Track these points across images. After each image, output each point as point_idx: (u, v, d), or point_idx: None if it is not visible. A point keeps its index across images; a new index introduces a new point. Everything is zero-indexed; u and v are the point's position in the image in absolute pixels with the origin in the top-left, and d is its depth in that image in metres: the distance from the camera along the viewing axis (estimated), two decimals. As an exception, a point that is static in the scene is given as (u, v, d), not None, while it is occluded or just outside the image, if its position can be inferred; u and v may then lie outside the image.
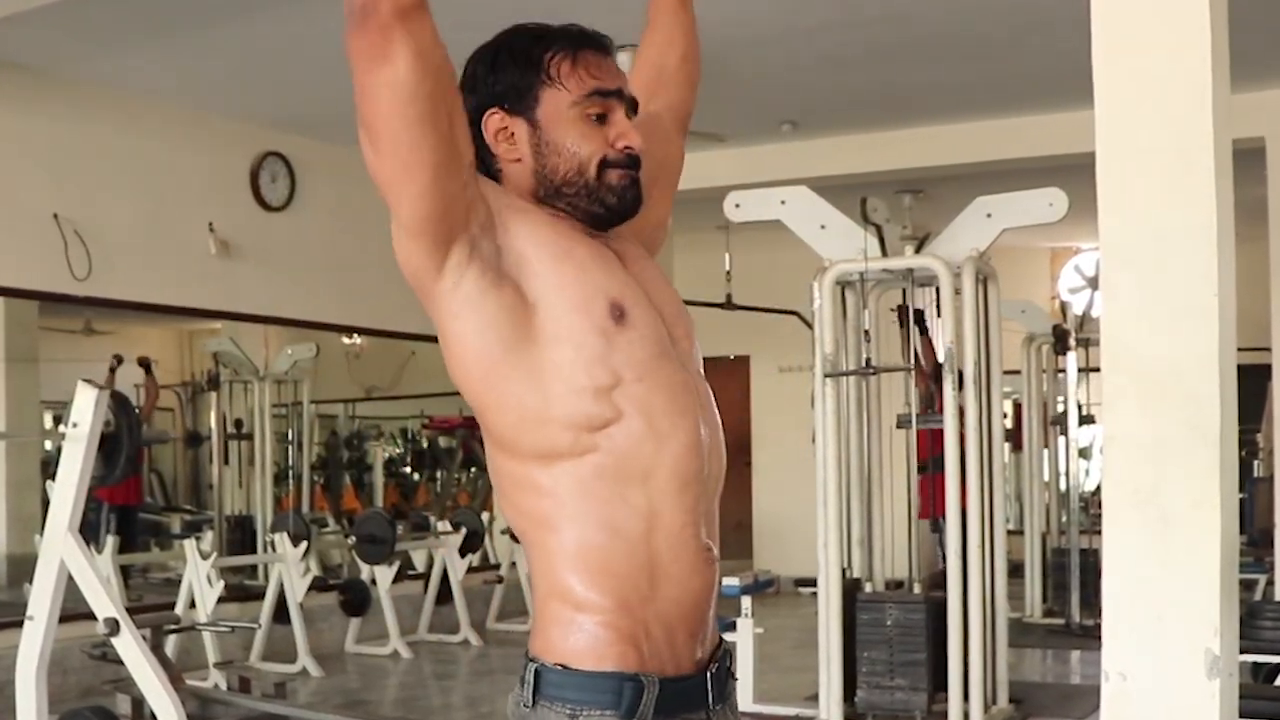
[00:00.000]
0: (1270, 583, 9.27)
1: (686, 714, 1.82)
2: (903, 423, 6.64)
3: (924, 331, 7.69)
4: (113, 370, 8.46)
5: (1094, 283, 12.01)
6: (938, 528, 8.64)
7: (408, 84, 1.68)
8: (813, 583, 6.38)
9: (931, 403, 7.32)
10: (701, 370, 1.96)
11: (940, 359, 6.34)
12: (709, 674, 1.86)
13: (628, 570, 1.78)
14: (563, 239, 1.84)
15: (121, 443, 7.48)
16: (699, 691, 1.84)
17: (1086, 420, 9.85)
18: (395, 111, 1.69)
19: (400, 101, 1.69)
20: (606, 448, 1.79)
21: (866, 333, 6.33)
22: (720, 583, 1.90)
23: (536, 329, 1.78)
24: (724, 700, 1.88)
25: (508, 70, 1.89)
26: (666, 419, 1.81)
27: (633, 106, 1.94)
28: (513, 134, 1.89)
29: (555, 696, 1.77)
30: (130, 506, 9.00)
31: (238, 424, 9.72)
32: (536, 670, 1.79)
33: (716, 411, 1.93)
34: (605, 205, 1.90)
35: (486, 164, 1.91)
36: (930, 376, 7.55)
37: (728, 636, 6.61)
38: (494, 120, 1.89)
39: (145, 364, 9.24)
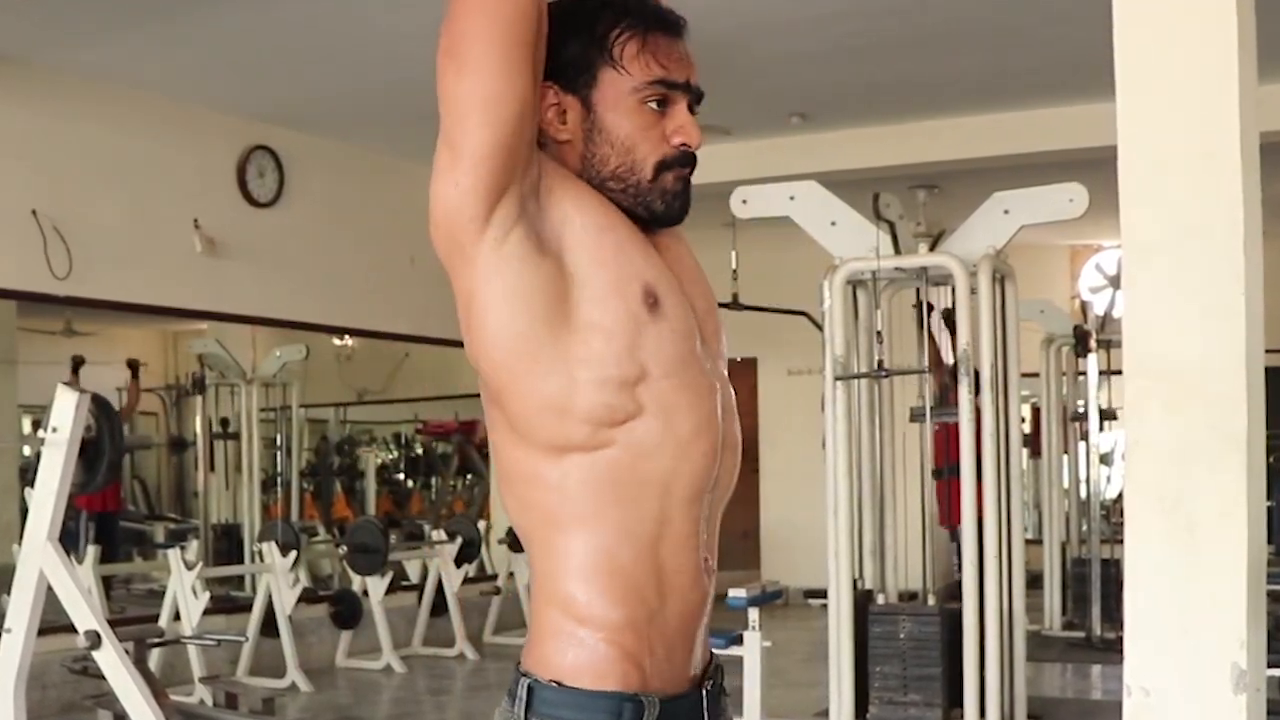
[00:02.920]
0: (1299, 593, 9.15)
1: None
2: (916, 416, 6.71)
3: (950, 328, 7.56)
4: (75, 371, 8.29)
5: (1116, 281, 11.98)
6: (956, 536, 8.56)
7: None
8: (823, 594, 6.42)
9: (945, 398, 7.20)
10: (726, 372, 1.90)
11: (951, 359, 6.26)
12: (704, 691, 1.82)
13: (637, 581, 1.73)
14: (607, 213, 1.78)
15: (103, 449, 7.47)
16: (695, 710, 1.81)
17: (1108, 417, 9.75)
18: (499, 30, 1.65)
19: (509, 20, 1.65)
20: (623, 443, 1.72)
21: (879, 334, 6.36)
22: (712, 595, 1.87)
23: (571, 307, 1.71)
24: (719, 717, 1.86)
25: (569, 42, 1.79)
26: (688, 422, 1.76)
27: (698, 100, 1.84)
28: (565, 111, 1.80)
29: (549, 715, 1.72)
30: (110, 514, 9.02)
31: (224, 423, 9.73)
32: (529, 685, 1.73)
33: (737, 418, 1.88)
34: (650, 210, 1.81)
35: None
36: (947, 373, 7.44)
37: (734, 650, 6.55)
38: (548, 95, 1.79)
39: (133, 366, 9.22)
